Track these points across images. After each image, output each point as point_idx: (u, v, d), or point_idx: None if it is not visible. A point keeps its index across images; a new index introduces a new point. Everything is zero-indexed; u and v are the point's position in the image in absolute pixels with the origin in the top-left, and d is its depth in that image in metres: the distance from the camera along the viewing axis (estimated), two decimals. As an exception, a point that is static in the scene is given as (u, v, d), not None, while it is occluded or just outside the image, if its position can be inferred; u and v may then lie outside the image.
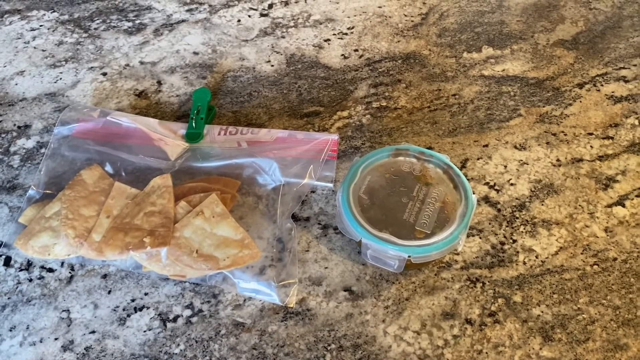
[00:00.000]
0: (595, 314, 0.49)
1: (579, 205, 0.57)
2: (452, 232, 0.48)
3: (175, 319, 0.49)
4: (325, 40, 0.74)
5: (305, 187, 0.57)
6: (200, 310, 0.50)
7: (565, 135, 0.63)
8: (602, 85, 0.69)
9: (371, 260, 0.50)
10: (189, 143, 0.60)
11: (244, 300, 0.50)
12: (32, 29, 0.76)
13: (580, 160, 0.61)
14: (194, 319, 0.49)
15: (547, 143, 0.63)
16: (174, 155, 0.58)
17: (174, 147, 0.59)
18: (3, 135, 0.63)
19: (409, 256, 0.47)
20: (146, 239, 0.50)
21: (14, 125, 0.64)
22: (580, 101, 0.67)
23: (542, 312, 0.50)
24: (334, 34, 0.75)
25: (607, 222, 0.56)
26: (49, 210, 0.53)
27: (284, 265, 0.52)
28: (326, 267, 0.52)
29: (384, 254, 0.48)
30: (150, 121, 0.62)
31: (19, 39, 0.75)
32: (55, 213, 0.53)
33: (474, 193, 0.51)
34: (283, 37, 0.75)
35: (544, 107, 0.66)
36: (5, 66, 0.71)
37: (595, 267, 0.52)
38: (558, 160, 0.61)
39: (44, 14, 0.78)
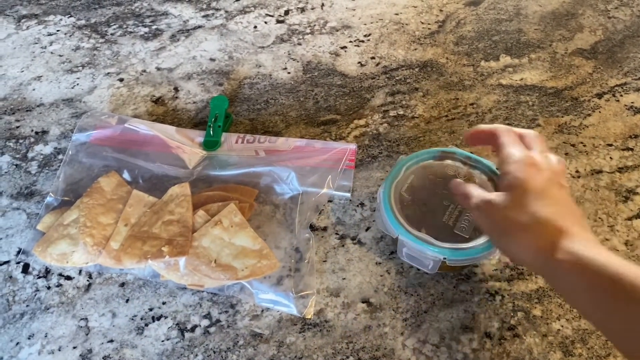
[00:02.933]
0: (616, 329, 0.49)
1: (599, 218, 0.56)
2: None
3: (193, 329, 0.49)
4: (341, 48, 0.74)
5: (323, 196, 0.57)
6: (218, 320, 0.50)
7: (585, 146, 0.63)
8: (621, 95, 0.68)
9: (406, 258, 0.50)
10: (207, 151, 0.60)
11: (262, 311, 0.50)
12: (49, 34, 0.76)
13: (600, 171, 0.60)
14: (212, 329, 0.49)
15: (566, 154, 0.62)
16: (192, 163, 0.58)
17: (191, 155, 0.59)
18: (21, 141, 0.63)
19: (445, 258, 0.47)
20: (164, 248, 0.50)
21: (32, 130, 0.64)
22: (600, 111, 0.66)
23: (562, 326, 0.49)
24: (351, 41, 0.75)
25: (627, 235, 0.55)
26: (67, 218, 0.54)
27: (302, 276, 0.52)
28: (344, 278, 0.52)
29: (420, 253, 0.48)
30: (168, 128, 0.61)
31: (36, 43, 0.75)
32: (73, 221, 0.53)
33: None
34: (299, 44, 0.74)
35: (562, 117, 0.66)
36: (22, 71, 0.71)
37: (615, 281, 0.52)
38: (577, 171, 0.60)
39: (61, 19, 0.78)
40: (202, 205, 0.54)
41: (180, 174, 0.57)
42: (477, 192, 0.45)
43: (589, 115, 0.66)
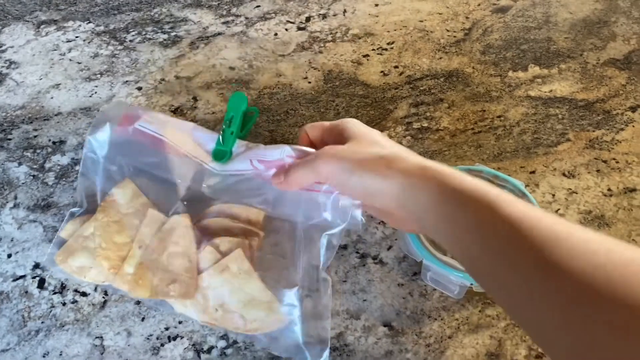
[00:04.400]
0: (651, 360, 0.47)
1: (632, 240, 0.54)
2: None
3: (209, 350, 0.48)
4: (364, 56, 0.72)
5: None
6: (235, 342, 0.48)
7: (617, 162, 0.60)
8: (656, 108, 0.65)
9: (430, 282, 0.48)
10: (215, 162, 0.52)
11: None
12: (68, 40, 0.75)
13: (634, 190, 0.58)
14: (229, 351, 0.48)
15: (598, 171, 0.59)
16: (198, 176, 0.52)
17: (197, 166, 0.52)
18: (38, 151, 0.63)
19: (472, 285, 0.45)
20: (172, 286, 0.48)
21: (49, 140, 0.64)
22: (633, 126, 0.64)
23: (594, 355, 0.47)
24: (373, 49, 0.73)
25: (663, 259, 0.52)
26: (86, 230, 0.52)
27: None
28: (365, 300, 0.51)
29: (445, 278, 0.46)
30: (185, 125, 0.54)
31: (55, 50, 0.74)
32: (91, 234, 0.52)
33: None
34: (320, 52, 0.73)
35: (594, 131, 0.63)
36: (41, 79, 0.70)
37: (650, 308, 0.49)
38: (609, 189, 0.58)
39: (80, 25, 0.78)
40: (207, 233, 0.51)
41: (188, 183, 0.52)
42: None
43: (622, 129, 0.63)
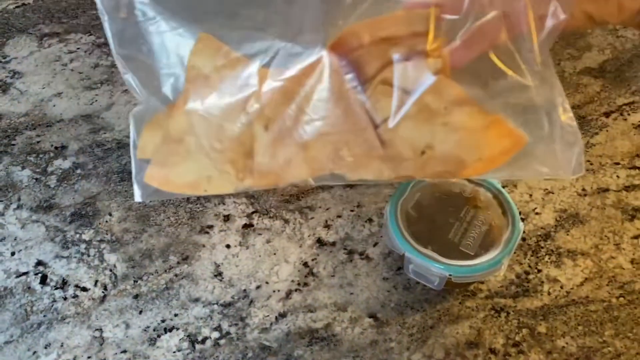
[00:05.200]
0: (621, 347, 0.49)
1: (605, 236, 0.57)
2: (496, 256, 0.48)
3: (203, 341, 0.51)
4: None
5: None
6: (228, 333, 0.51)
7: (592, 164, 0.64)
8: (629, 114, 0.69)
9: (412, 274, 0.51)
10: None
11: (271, 324, 0.51)
12: (70, 52, 0.79)
13: (607, 190, 0.61)
14: (222, 342, 0.50)
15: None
16: None
17: None
18: (41, 156, 0.66)
19: (450, 275, 0.48)
20: (343, 151, 0.34)
21: (51, 145, 0.67)
22: (607, 130, 0.67)
23: (567, 343, 0.50)
24: None
25: (633, 254, 0.56)
26: (173, 127, 0.35)
27: (310, 291, 0.53)
28: (351, 293, 0.53)
29: (426, 270, 0.49)
30: None
31: (57, 61, 0.78)
32: (186, 132, 0.35)
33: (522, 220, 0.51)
34: None
35: (570, 135, 0.67)
36: (44, 88, 0.74)
37: (621, 299, 0.52)
38: (584, 189, 0.61)
39: (81, 37, 0.81)
40: (360, 69, 0.33)
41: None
42: None
43: (597, 133, 0.67)
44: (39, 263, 0.56)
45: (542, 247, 0.56)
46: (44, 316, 0.52)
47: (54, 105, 0.71)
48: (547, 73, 0.33)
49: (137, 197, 0.36)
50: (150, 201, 0.38)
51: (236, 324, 0.51)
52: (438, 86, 0.32)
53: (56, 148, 0.67)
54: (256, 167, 0.35)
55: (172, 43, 0.33)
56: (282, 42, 0.32)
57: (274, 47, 0.32)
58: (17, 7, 0.87)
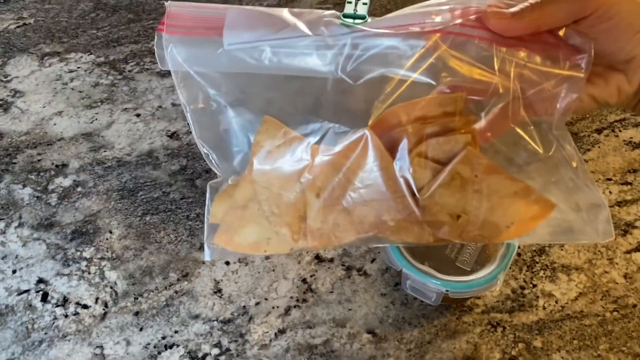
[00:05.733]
0: (616, 361, 0.50)
1: (598, 251, 0.58)
2: (492, 272, 0.49)
3: (203, 358, 0.51)
4: None
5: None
6: (228, 349, 0.52)
7: (584, 180, 0.65)
8: (620, 130, 0.70)
9: (410, 290, 0.52)
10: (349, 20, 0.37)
11: (270, 340, 0.52)
12: (70, 71, 0.80)
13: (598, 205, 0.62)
14: (222, 358, 0.51)
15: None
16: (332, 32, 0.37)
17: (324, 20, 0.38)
18: (42, 174, 0.66)
19: (447, 291, 0.49)
20: (386, 216, 0.37)
21: (52, 164, 0.68)
22: (599, 147, 0.68)
23: (562, 357, 0.50)
24: None
25: (626, 268, 0.57)
26: (240, 196, 0.40)
27: (309, 307, 0.54)
28: (350, 309, 0.54)
29: (423, 286, 0.50)
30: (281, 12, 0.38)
31: (58, 80, 0.79)
32: (250, 199, 0.40)
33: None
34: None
35: (562, 152, 0.68)
36: (44, 106, 0.75)
37: (615, 313, 0.53)
38: (577, 205, 0.62)
39: (82, 56, 0.82)
40: (394, 146, 0.36)
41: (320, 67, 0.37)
42: None
43: (589, 150, 0.68)
44: (40, 281, 0.56)
45: (537, 262, 0.57)
46: (45, 334, 0.53)
47: (55, 124, 0.72)
48: (567, 147, 0.38)
49: (207, 256, 0.41)
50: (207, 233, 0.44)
51: (236, 340, 0.52)
52: (468, 157, 0.36)
53: (57, 166, 0.67)
54: (309, 230, 0.39)
55: (241, 126, 0.39)
56: (331, 124, 0.38)
57: (324, 127, 0.38)
58: (18, 27, 0.88)
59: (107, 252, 0.59)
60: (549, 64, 0.35)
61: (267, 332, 0.52)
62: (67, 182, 0.66)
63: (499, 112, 0.36)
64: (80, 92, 0.77)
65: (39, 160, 0.68)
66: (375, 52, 0.36)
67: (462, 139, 0.36)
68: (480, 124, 0.37)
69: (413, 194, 0.36)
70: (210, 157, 0.40)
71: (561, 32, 0.36)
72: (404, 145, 0.36)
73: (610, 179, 0.65)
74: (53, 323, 0.54)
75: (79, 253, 0.59)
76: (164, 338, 0.52)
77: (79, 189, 0.65)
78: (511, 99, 0.35)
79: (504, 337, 0.52)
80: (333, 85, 0.37)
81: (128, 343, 0.52)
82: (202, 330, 0.53)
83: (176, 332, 0.53)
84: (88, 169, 0.67)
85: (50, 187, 0.65)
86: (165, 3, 0.37)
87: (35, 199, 0.64)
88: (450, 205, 0.37)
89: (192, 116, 0.39)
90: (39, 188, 0.65)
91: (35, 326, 0.53)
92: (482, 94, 0.36)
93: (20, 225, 0.61)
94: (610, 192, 0.63)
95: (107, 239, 0.60)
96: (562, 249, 0.58)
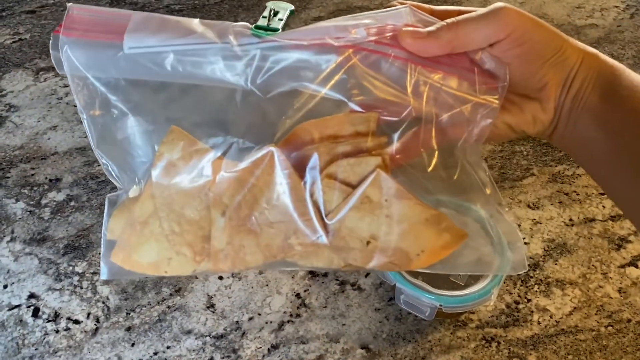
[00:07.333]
0: (611, 376, 0.50)
1: (592, 265, 0.58)
2: (486, 286, 0.49)
3: (196, 373, 0.51)
4: None
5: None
6: (221, 365, 0.51)
7: (578, 195, 0.65)
8: (613, 145, 0.71)
9: (404, 305, 0.51)
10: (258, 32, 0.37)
11: (263, 356, 0.51)
12: (65, 86, 0.80)
13: (593, 220, 0.62)
14: (214, 374, 0.50)
15: (560, 202, 0.64)
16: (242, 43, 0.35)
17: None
18: (35, 188, 0.66)
19: (441, 305, 0.49)
20: (292, 240, 0.36)
21: (46, 178, 0.67)
22: (592, 161, 0.69)
23: (558, 373, 0.50)
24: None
25: (620, 283, 0.56)
26: (140, 211, 0.37)
27: (302, 322, 0.53)
28: (344, 324, 0.54)
29: (417, 300, 0.50)
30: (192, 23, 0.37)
31: (53, 94, 0.79)
32: (150, 215, 0.37)
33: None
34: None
35: (556, 166, 0.68)
36: (39, 121, 0.75)
37: (609, 328, 0.53)
38: (571, 219, 0.62)
39: (77, 71, 0.82)
40: (302, 166, 0.35)
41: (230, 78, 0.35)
42: None
43: (582, 164, 0.68)
44: (32, 296, 0.56)
45: (532, 277, 0.57)
46: (36, 349, 0.52)
47: (49, 139, 0.72)
48: (480, 173, 0.37)
49: (103, 274, 0.38)
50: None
51: (229, 356, 0.52)
52: (378, 180, 0.34)
53: (50, 180, 0.67)
54: (213, 251, 0.36)
55: (144, 135, 0.37)
56: (235, 138, 0.36)
57: (227, 142, 0.36)
58: (13, 42, 0.88)
59: (100, 266, 0.58)
60: (464, 88, 0.35)
61: (260, 347, 0.52)
62: (60, 196, 0.65)
63: (411, 135, 0.35)
64: (75, 106, 0.77)
65: (32, 175, 0.68)
66: (286, 64, 0.35)
67: (373, 161, 0.35)
68: (393, 146, 0.36)
69: (321, 217, 0.35)
70: (110, 169, 0.37)
71: (477, 56, 0.36)
72: (314, 165, 0.35)
73: (603, 194, 0.65)
74: (44, 338, 0.53)
75: (71, 268, 0.58)
76: (155, 354, 0.52)
77: (72, 203, 0.64)
78: (423, 122, 0.35)
79: (499, 353, 0.51)
80: (242, 98, 0.36)
81: (119, 359, 0.52)
82: (194, 346, 0.52)
83: (168, 347, 0.52)
84: (82, 183, 0.67)
85: (44, 201, 0.65)
86: (68, 5, 0.35)
87: (28, 213, 0.64)
88: (359, 230, 0.35)
89: (90, 124, 0.36)
90: (32, 202, 0.65)
91: (26, 342, 0.53)
92: (396, 115, 0.35)
93: (13, 239, 0.61)
94: (603, 206, 0.63)
95: (99, 253, 0.60)
96: (556, 264, 0.58)
